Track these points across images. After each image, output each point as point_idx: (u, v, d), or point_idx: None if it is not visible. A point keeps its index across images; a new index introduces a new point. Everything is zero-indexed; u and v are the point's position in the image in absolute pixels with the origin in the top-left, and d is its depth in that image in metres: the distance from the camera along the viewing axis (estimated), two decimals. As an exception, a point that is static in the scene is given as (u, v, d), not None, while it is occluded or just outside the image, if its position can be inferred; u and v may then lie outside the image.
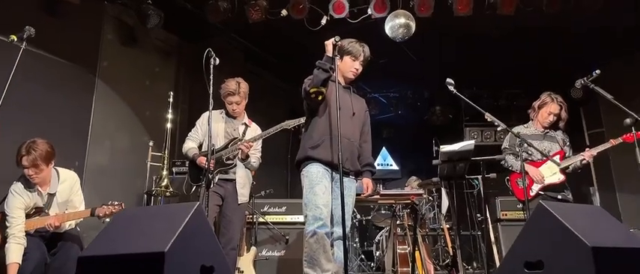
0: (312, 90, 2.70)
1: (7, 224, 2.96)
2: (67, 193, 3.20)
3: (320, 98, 2.74)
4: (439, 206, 5.40)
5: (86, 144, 4.29)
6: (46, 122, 4.04)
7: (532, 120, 3.73)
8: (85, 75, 4.51)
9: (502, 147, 3.76)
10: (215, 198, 3.33)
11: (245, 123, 3.60)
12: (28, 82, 3.78)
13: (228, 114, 3.56)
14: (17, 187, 3.05)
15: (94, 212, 3.10)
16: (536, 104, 3.69)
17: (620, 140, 3.35)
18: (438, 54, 6.14)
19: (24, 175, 3.02)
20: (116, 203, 3.15)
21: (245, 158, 3.41)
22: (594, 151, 3.45)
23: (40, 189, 3.08)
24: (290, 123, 3.28)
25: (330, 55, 2.67)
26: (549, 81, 5.88)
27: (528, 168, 3.51)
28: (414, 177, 6.06)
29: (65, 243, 3.09)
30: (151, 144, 4.51)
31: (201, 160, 3.36)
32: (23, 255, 2.92)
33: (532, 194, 3.48)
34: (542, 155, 3.46)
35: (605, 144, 3.43)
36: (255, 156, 3.58)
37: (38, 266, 2.96)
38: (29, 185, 3.05)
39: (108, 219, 3.11)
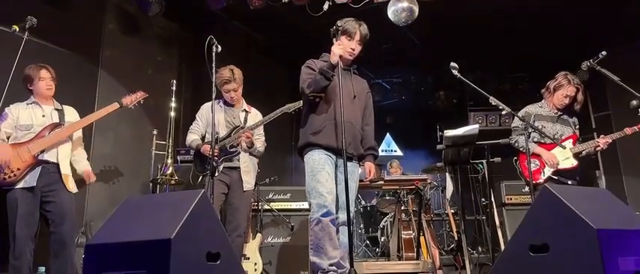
0: (310, 94, 2.72)
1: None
2: (75, 116, 3.37)
3: (317, 100, 2.75)
4: (443, 190, 5.41)
5: (91, 134, 4.30)
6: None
7: (545, 99, 3.59)
8: (88, 65, 4.51)
9: (512, 125, 3.62)
10: (221, 186, 3.34)
11: (245, 110, 3.59)
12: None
13: (226, 103, 3.54)
14: (16, 105, 3.19)
15: (121, 102, 3.39)
16: (551, 85, 3.52)
17: (636, 129, 3.29)
18: (442, 38, 6.07)
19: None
20: (140, 92, 3.50)
21: (251, 146, 3.42)
22: (609, 138, 3.36)
23: (44, 105, 3.23)
24: (290, 107, 3.26)
25: (334, 63, 2.63)
26: (554, 64, 5.83)
27: (541, 150, 3.42)
28: (396, 161, 6.41)
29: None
30: (155, 132, 4.53)
31: (206, 148, 3.37)
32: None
33: (543, 177, 3.38)
34: (552, 139, 3.34)
35: (620, 131, 3.36)
36: (260, 141, 3.59)
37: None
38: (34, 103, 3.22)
39: (138, 103, 3.49)
